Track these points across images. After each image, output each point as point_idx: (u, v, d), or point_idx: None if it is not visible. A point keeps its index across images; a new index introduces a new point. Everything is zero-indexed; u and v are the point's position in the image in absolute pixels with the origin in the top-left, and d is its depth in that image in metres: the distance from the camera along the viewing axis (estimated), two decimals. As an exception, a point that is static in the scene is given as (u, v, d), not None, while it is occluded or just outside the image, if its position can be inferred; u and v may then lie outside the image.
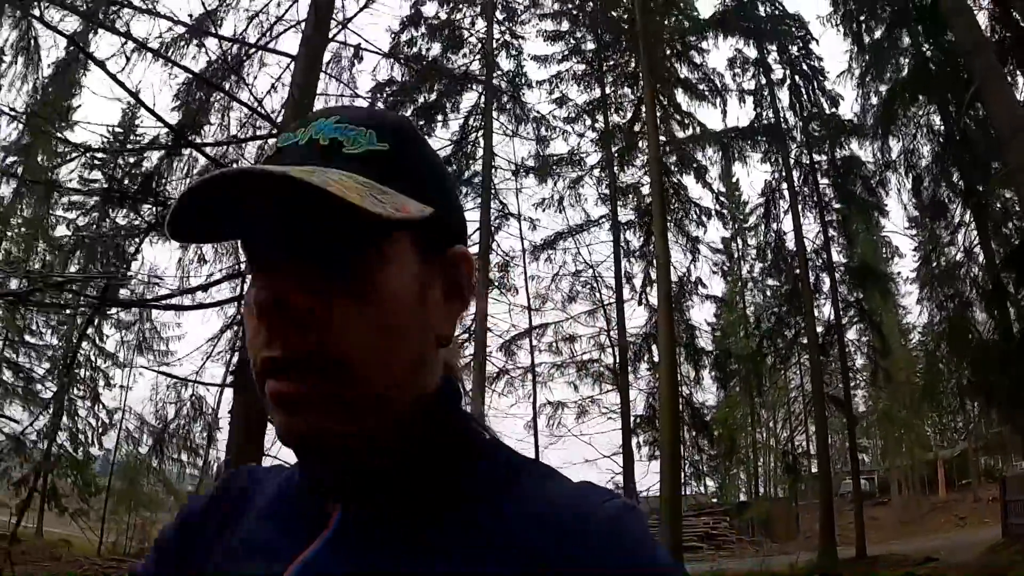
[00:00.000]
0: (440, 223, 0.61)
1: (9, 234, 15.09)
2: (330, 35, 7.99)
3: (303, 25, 8.06)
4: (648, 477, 18.27)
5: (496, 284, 14.34)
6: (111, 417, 19.64)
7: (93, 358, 21.06)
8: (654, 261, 15.23)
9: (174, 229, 0.57)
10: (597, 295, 16.35)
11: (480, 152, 14.86)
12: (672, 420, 12.42)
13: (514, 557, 0.53)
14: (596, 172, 17.42)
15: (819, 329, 16.29)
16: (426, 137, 0.67)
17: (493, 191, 14.41)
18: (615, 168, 17.23)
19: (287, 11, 8.92)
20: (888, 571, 11.98)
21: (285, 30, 8.99)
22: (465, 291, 0.65)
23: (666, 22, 14.50)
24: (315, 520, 0.60)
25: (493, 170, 14.48)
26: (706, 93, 17.31)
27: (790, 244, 16.72)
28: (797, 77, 17.24)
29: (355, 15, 10.68)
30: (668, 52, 16.24)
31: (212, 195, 0.54)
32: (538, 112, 16.16)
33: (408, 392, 0.60)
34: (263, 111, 7.85)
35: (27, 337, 19.16)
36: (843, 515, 19.32)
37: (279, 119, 7.51)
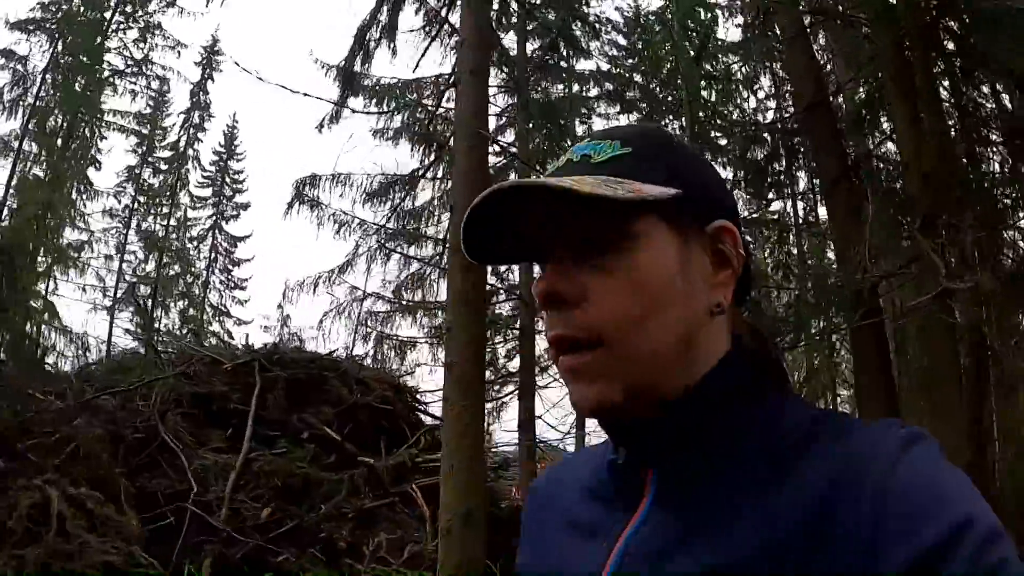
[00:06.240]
0: (691, 203, 0.68)
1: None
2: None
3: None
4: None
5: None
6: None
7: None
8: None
9: (468, 247, 0.71)
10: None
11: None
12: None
13: (809, 511, 0.57)
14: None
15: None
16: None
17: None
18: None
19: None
20: None
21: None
22: (732, 259, 0.70)
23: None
24: (633, 490, 0.68)
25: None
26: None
27: None
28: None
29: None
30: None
31: (486, 212, 0.67)
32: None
33: (679, 366, 0.66)
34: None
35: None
36: None
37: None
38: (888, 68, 6.27)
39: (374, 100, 11.03)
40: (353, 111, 9.38)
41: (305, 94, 7.13)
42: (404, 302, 12.35)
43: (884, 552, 0.52)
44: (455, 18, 8.96)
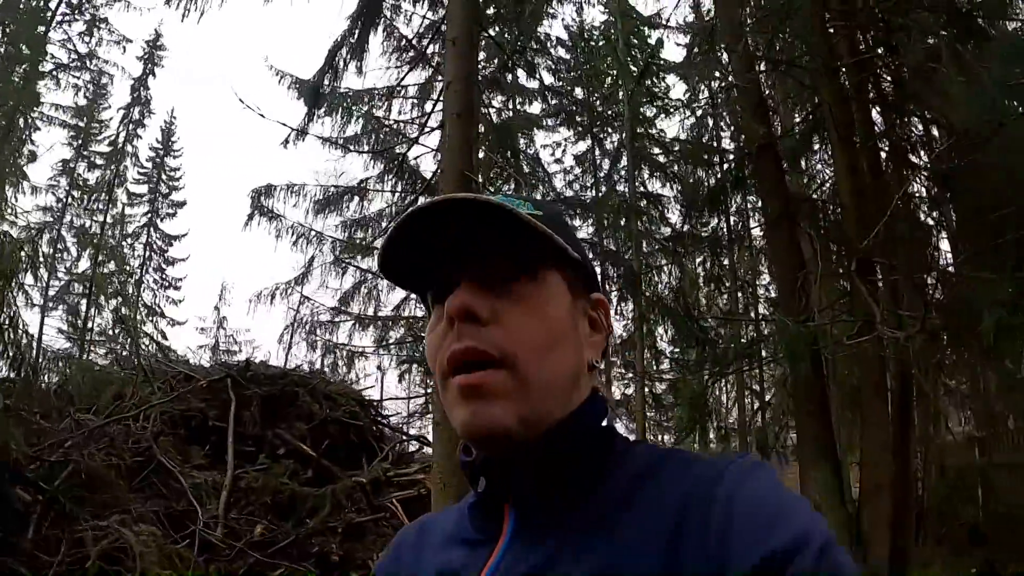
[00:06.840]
0: (584, 271, 0.80)
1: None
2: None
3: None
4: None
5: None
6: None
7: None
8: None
9: (384, 261, 0.76)
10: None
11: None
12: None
13: (658, 527, 0.63)
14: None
15: None
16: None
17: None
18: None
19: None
20: None
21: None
22: (605, 327, 0.81)
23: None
24: (493, 527, 0.73)
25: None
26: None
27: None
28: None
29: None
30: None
31: (415, 226, 0.72)
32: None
33: (564, 401, 0.73)
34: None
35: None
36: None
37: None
38: (829, 116, 6.94)
39: (325, 108, 11.21)
40: (320, 138, 9.62)
41: (296, 127, 7.61)
42: (361, 316, 12.58)
43: (732, 559, 0.57)
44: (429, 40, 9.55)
